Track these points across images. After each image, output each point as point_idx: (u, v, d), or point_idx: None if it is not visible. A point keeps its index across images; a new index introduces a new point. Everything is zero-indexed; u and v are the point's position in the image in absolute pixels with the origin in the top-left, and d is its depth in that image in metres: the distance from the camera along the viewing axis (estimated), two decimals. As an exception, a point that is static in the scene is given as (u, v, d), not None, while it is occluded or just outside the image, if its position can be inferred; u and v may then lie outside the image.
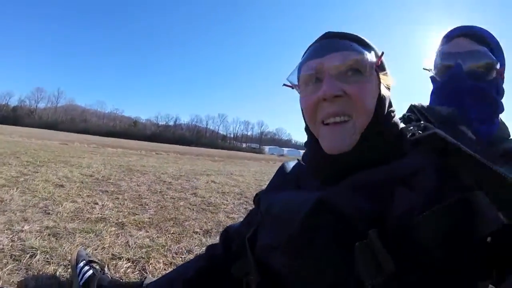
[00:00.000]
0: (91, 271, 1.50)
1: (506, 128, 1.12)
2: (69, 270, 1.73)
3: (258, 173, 9.91)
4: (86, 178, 4.86)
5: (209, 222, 3.25)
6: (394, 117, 0.82)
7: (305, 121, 0.86)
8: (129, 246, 2.25)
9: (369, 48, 0.80)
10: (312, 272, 0.65)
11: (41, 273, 1.67)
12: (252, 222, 1.02)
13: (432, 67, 1.24)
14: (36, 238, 2.08)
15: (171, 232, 2.77)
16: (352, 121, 0.74)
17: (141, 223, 2.92)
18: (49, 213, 2.74)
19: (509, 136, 1.10)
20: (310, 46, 0.84)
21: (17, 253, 1.83)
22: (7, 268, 1.65)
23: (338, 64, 0.75)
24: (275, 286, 0.70)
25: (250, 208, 4.11)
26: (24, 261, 1.75)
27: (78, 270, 1.50)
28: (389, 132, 0.79)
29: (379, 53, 0.81)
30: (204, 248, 2.35)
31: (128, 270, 1.89)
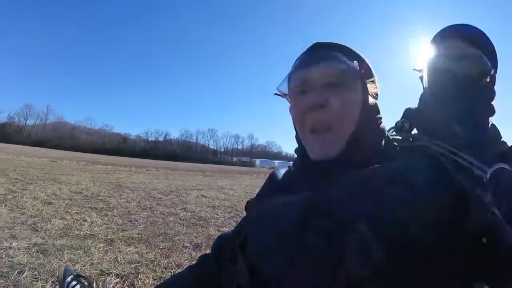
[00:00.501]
0: (78, 286, 1.48)
1: (497, 130, 1.14)
2: (57, 286, 1.73)
3: (249, 186, 9.95)
4: (75, 195, 4.83)
5: (199, 236, 3.25)
6: (380, 124, 0.85)
7: (295, 129, 0.88)
8: (118, 262, 2.25)
9: (354, 57, 0.82)
10: (304, 273, 0.66)
11: (28, 289, 1.66)
12: (243, 230, 1.02)
13: (423, 68, 1.25)
14: (24, 254, 2.08)
15: (161, 247, 2.77)
16: (336, 130, 0.76)
17: (130, 239, 2.91)
18: (37, 230, 2.73)
19: (501, 138, 1.12)
20: (299, 57, 0.87)
21: (5, 270, 1.83)
22: None
23: (322, 75, 0.78)
24: None
25: (240, 221, 4.11)
26: (12, 277, 1.76)
27: (65, 285, 1.48)
28: (374, 140, 0.81)
29: (365, 61, 0.84)
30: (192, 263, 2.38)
31: (117, 286, 1.89)
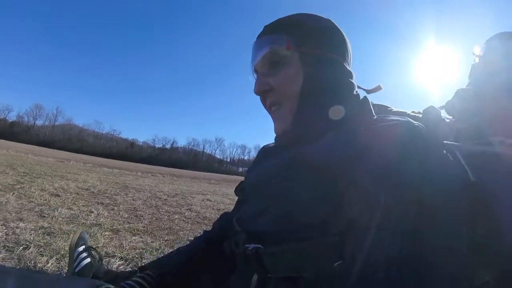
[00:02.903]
0: (88, 260, 1.42)
1: None
2: (61, 262, 1.73)
3: None
4: (82, 191, 4.85)
5: (204, 233, 3.22)
6: (323, 93, 0.85)
7: None
8: (123, 247, 2.25)
9: (283, 32, 0.85)
10: (299, 217, 0.68)
11: (33, 262, 1.67)
12: (239, 208, 1.06)
13: (480, 55, 1.36)
14: (31, 234, 2.08)
15: (165, 239, 2.77)
16: (284, 105, 0.84)
17: (135, 230, 2.91)
18: (44, 216, 2.74)
19: None
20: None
21: (10, 245, 1.83)
22: (0, 255, 1.66)
23: (260, 65, 0.87)
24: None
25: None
26: (17, 252, 1.76)
27: (76, 255, 1.45)
28: (326, 106, 0.82)
29: (295, 31, 0.85)
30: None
31: (121, 267, 1.89)
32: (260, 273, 0.70)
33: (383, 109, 0.92)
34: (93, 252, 1.49)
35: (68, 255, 1.61)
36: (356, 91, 0.88)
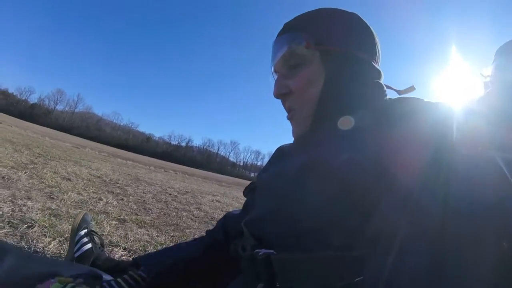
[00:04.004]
0: (89, 245, 1.38)
1: None
2: (64, 245, 1.69)
3: None
4: (94, 178, 4.85)
5: (210, 233, 3.17)
6: (362, 85, 0.79)
7: None
8: (128, 238, 2.20)
9: (302, 29, 0.80)
10: (310, 221, 0.64)
11: (35, 241, 1.64)
12: (248, 210, 1.02)
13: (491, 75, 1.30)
14: (37, 214, 2.06)
15: (171, 235, 2.72)
16: (300, 110, 0.81)
17: (142, 222, 2.87)
18: (53, 198, 2.72)
19: None
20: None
21: (15, 221, 1.80)
22: (2, 231, 1.63)
23: (279, 65, 0.84)
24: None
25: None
26: (20, 229, 1.73)
27: (77, 238, 1.40)
28: (350, 104, 0.76)
29: (313, 29, 0.79)
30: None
31: (123, 257, 1.84)
32: (267, 281, 0.63)
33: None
34: (95, 237, 1.45)
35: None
36: (385, 93, 0.81)
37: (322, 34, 0.78)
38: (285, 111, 0.87)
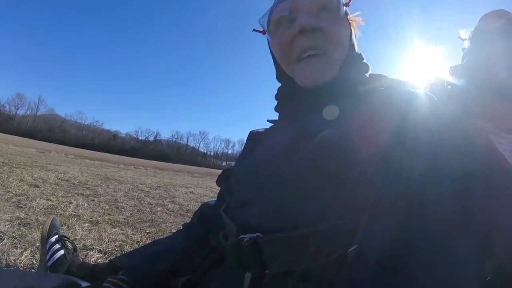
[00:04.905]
0: (62, 252, 1.32)
1: None
2: (36, 255, 1.66)
3: None
4: (62, 182, 4.74)
5: (186, 225, 3.18)
6: (363, 59, 0.83)
7: (276, 68, 0.88)
8: (102, 240, 2.19)
9: None
10: (296, 198, 0.62)
11: (5, 255, 1.61)
12: (224, 198, 0.97)
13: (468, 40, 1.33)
14: (5, 225, 2.01)
15: (147, 231, 2.72)
16: (328, 54, 0.74)
17: (116, 222, 2.85)
18: (21, 207, 2.66)
19: None
20: None
21: (-17, 236, 1.75)
22: None
23: (310, 3, 0.76)
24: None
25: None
26: (-10, 243, 1.68)
27: (48, 246, 1.35)
28: (361, 72, 0.80)
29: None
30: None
31: (99, 260, 1.83)
32: (255, 268, 0.61)
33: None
34: (67, 242, 1.40)
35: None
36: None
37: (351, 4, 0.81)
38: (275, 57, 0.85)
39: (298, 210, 0.60)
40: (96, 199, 3.81)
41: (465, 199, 0.52)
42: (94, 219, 2.79)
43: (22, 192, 3.28)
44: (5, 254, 1.61)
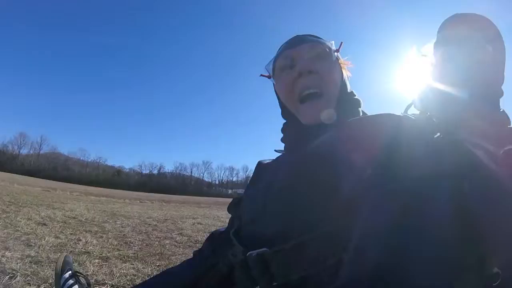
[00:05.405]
0: (76, 286, 1.34)
1: (507, 116, 1.08)
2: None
3: None
4: (69, 220, 4.75)
5: (196, 257, 3.16)
6: (355, 96, 0.93)
7: (281, 107, 0.98)
8: (113, 275, 2.19)
9: (327, 42, 0.92)
10: (300, 211, 0.67)
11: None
12: (235, 222, 1.01)
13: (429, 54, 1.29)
14: (17, 263, 2.03)
15: (157, 264, 2.71)
16: (324, 93, 0.84)
17: (125, 257, 2.85)
18: (31, 245, 2.67)
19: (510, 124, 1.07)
20: (282, 44, 0.96)
21: (-4, 274, 1.76)
22: None
23: (308, 52, 0.87)
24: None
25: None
26: (3, 281, 1.71)
27: (62, 282, 1.37)
28: (354, 108, 0.90)
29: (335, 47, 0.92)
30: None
31: (112, 295, 1.83)
32: (264, 281, 0.63)
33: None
34: (80, 278, 1.41)
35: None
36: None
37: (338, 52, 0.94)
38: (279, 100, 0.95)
39: (299, 219, 0.65)
40: (104, 235, 3.81)
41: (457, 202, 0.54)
42: (104, 255, 2.79)
43: (31, 230, 3.30)
44: (19, 292, 1.61)
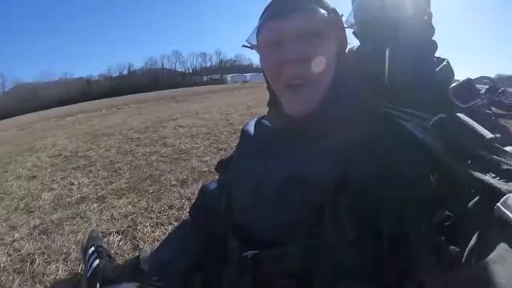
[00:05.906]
0: (97, 261, 1.47)
1: (450, 68, 0.98)
2: (68, 263, 1.90)
3: (224, 107, 9.40)
4: (55, 159, 4.89)
5: (184, 171, 3.44)
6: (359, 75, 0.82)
7: (266, 81, 0.87)
8: (115, 219, 2.43)
9: (324, 7, 0.78)
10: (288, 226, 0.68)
11: (45, 275, 1.81)
12: (224, 191, 0.98)
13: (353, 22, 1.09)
14: (29, 241, 2.23)
15: (150, 191, 2.97)
16: (312, 84, 0.75)
17: (120, 190, 3.10)
18: (31, 211, 2.86)
19: (453, 76, 1.00)
20: (268, 6, 0.82)
21: (18, 266, 1.95)
22: (14, 284, 1.77)
23: (298, 26, 0.74)
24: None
25: (221, 147, 4.22)
26: (27, 270, 1.89)
27: (87, 258, 1.53)
28: (354, 92, 0.79)
29: (336, 11, 0.79)
30: (183, 201, 2.55)
31: (121, 242, 2.07)
32: (256, 283, 0.68)
33: None
34: (102, 251, 1.56)
35: (76, 253, 1.84)
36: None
37: (339, 19, 0.80)
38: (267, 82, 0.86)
39: (289, 232, 0.68)
40: (93, 169, 4.02)
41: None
42: (99, 194, 3.04)
43: (25, 192, 3.47)
44: (45, 276, 1.82)
